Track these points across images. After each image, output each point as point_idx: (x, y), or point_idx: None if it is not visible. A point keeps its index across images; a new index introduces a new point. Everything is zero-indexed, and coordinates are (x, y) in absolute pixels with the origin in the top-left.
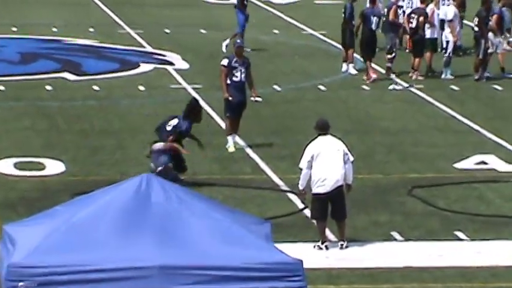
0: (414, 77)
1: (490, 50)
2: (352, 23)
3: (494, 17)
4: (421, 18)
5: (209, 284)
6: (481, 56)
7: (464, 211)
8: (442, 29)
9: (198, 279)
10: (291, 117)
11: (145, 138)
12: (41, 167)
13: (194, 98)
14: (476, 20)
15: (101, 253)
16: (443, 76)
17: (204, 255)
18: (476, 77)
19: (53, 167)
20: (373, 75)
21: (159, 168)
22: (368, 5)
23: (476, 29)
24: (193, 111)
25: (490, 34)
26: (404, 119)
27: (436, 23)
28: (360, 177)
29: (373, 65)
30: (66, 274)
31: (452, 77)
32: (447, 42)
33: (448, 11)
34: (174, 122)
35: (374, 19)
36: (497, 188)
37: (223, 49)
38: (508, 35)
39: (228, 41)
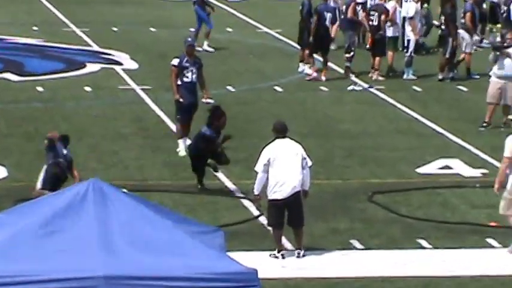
0: (374, 77)
1: (468, 50)
2: (310, 21)
3: (468, 14)
4: (383, 17)
5: None
6: (448, 55)
7: (427, 218)
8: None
9: None
10: (246, 119)
11: (93, 141)
12: None
13: (214, 105)
14: (442, 18)
15: (45, 263)
16: (404, 76)
17: (152, 265)
18: (440, 77)
19: None
20: (314, 74)
21: None
22: (321, 0)
23: (443, 27)
24: (214, 117)
25: (463, 32)
26: (364, 122)
27: (398, 20)
28: (318, 183)
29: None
30: (10, 285)
31: (415, 77)
32: (408, 40)
33: (409, 7)
34: (202, 129)
35: (328, 15)
36: (462, 194)
37: (207, 48)
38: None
39: (206, 42)
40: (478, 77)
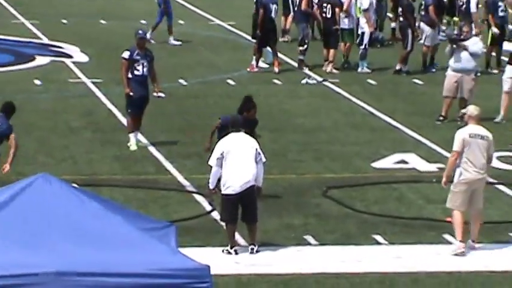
0: (328, 69)
1: (427, 43)
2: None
3: (431, 8)
4: (337, 9)
5: None
6: (409, 48)
7: (383, 213)
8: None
9: (98, 287)
10: (198, 113)
11: (42, 135)
12: None
13: (247, 96)
14: (400, 9)
15: None
16: (359, 69)
17: (103, 261)
18: (398, 68)
19: None
20: (255, 69)
21: None
22: None
23: (401, 19)
24: (244, 107)
25: (423, 25)
26: (318, 116)
27: (353, 12)
28: (272, 178)
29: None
30: None
31: (369, 71)
32: (362, 33)
33: (363, 0)
34: None
35: (273, 7)
36: (419, 189)
37: (175, 42)
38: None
39: (171, 37)
40: (434, 70)
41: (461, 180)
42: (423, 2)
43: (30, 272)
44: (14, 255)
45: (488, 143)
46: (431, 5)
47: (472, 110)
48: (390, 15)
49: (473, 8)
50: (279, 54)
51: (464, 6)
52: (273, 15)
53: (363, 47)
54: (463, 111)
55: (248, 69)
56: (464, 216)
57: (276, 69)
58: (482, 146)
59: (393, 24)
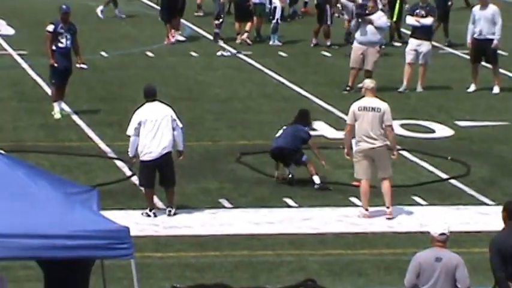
0: (243, 37)
1: (346, 17)
2: None
3: None
4: None
5: (33, 252)
6: (329, 22)
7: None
8: None
9: (22, 248)
10: (119, 83)
11: None
12: None
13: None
14: None
15: None
16: (271, 42)
17: (27, 223)
18: (315, 42)
19: None
20: (171, 40)
21: None
22: None
23: None
24: (308, 117)
25: (346, 1)
26: (233, 86)
27: None
28: (189, 145)
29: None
30: None
31: (280, 43)
32: (274, 8)
33: None
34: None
35: None
36: (327, 155)
37: (100, 15)
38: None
39: (102, 7)
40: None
41: (357, 150)
42: None
43: None
44: None
45: (380, 114)
46: None
47: (368, 83)
48: None
49: None
50: (196, 28)
51: None
52: None
53: (274, 21)
54: (360, 85)
55: (165, 42)
56: (368, 184)
57: (166, 42)
58: (374, 117)
59: None
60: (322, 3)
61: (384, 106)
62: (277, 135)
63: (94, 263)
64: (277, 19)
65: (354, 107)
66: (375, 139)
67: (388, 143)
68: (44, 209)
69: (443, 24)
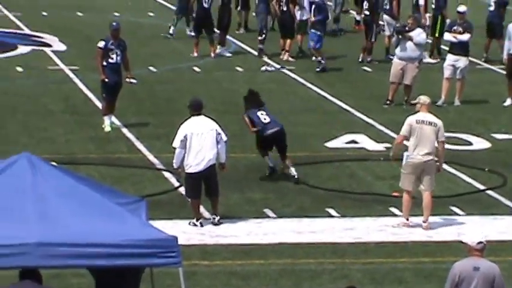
0: (285, 58)
1: (387, 33)
2: (229, 7)
3: (395, 2)
4: (291, 5)
5: (86, 261)
6: (373, 39)
7: (335, 189)
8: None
9: (75, 256)
10: (167, 97)
11: (24, 118)
12: None
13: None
14: (366, 4)
15: None
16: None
17: (80, 232)
18: (369, 59)
19: None
20: (195, 54)
21: None
22: None
23: (367, 12)
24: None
25: (389, 18)
26: (276, 100)
27: (306, 5)
28: (234, 156)
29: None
30: None
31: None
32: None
33: None
34: None
35: None
36: (368, 166)
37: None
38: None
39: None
40: (392, 57)
41: (407, 162)
42: None
43: (13, 243)
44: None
45: (436, 129)
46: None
47: (424, 98)
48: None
49: (421, 1)
50: (241, 44)
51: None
52: (205, 5)
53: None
54: (414, 101)
55: (195, 55)
56: (411, 196)
57: (212, 54)
58: (430, 132)
59: (358, 17)
60: (369, 21)
61: (439, 122)
62: (266, 120)
63: (144, 271)
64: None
65: (411, 120)
66: (428, 153)
67: (436, 158)
68: (95, 218)
69: (498, 40)
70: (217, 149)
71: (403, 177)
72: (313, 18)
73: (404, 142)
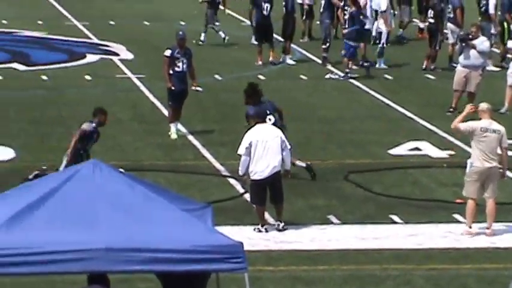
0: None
1: (451, 41)
2: (294, 16)
3: (458, 10)
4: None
5: (153, 266)
6: (438, 47)
7: (399, 195)
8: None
9: (143, 261)
10: (232, 105)
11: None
12: None
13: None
14: (431, 12)
15: (47, 235)
16: (377, 66)
17: (148, 238)
18: (433, 67)
19: (4, 153)
20: (260, 62)
21: None
22: None
23: (431, 20)
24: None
25: (452, 26)
26: (340, 108)
27: (369, 14)
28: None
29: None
30: (16, 256)
31: (386, 67)
32: (380, 33)
33: (381, 2)
34: None
35: (265, 5)
36: (431, 174)
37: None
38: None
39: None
40: (455, 65)
41: (472, 170)
42: (450, 6)
43: (82, 248)
44: (69, 233)
45: (499, 136)
46: (458, 7)
47: (483, 105)
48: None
49: (491, 10)
50: (305, 52)
51: (484, 8)
52: (264, 12)
53: (381, 45)
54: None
55: (256, 64)
56: (475, 203)
57: (271, 59)
58: (494, 139)
59: (422, 25)
60: (433, 29)
61: (502, 129)
62: (272, 121)
63: (210, 276)
64: (383, 43)
65: (476, 125)
66: (492, 159)
67: (499, 165)
68: (162, 224)
69: None
70: (281, 156)
71: (467, 184)
72: (345, 30)
73: (468, 149)
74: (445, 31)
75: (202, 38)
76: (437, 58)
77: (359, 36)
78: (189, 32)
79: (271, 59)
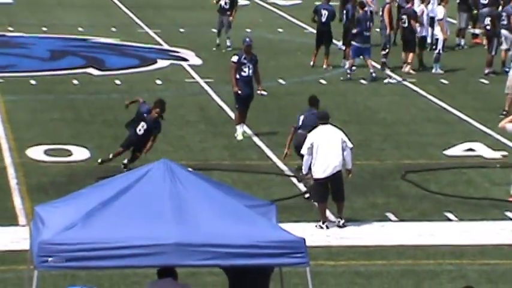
0: (406, 70)
1: (504, 47)
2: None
3: None
4: (412, 20)
5: (220, 260)
6: (493, 53)
7: (454, 194)
8: (431, 27)
9: (210, 256)
10: (295, 108)
11: (163, 127)
12: (69, 153)
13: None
14: (488, 19)
15: (120, 231)
16: (433, 71)
17: (215, 233)
18: (486, 72)
19: (80, 153)
20: (324, 66)
21: None
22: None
23: (488, 27)
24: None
25: (506, 32)
26: (398, 111)
27: (425, 22)
28: (358, 164)
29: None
30: (91, 250)
31: (442, 72)
32: (437, 39)
33: (439, 10)
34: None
35: (324, 12)
36: (485, 173)
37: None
38: None
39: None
40: (507, 70)
41: None
42: (504, 13)
43: (153, 243)
44: (141, 229)
45: None
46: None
47: None
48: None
49: None
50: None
51: None
52: (323, 19)
53: (437, 51)
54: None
55: (324, 66)
56: None
57: (325, 66)
58: None
59: (477, 31)
60: (491, 35)
61: None
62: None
63: (273, 270)
64: (439, 50)
65: None
66: None
67: None
68: (228, 220)
69: None
70: (343, 156)
71: None
72: (354, 31)
73: None
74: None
75: (228, 43)
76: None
77: (365, 38)
78: (255, 38)
79: (325, 66)
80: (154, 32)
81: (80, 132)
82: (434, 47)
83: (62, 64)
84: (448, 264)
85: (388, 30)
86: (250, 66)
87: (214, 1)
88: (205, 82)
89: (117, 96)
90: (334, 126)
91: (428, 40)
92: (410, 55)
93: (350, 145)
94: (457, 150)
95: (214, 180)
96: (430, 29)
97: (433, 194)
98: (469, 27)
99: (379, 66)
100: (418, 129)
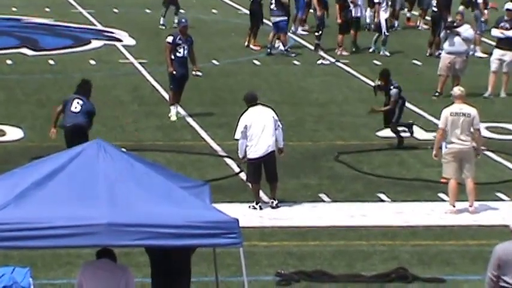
0: (339, 52)
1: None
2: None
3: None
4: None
5: (153, 240)
6: (437, 36)
7: (386, 175)
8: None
9: (143, 236)
10: (229, 89)
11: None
12: (2, 133)
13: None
14: (435, 2)
15: (53, 211)
16: (381, 53)
17: (148, 214)
18: (428, 53)
19: (13, 133)
20: (252, 46)
21: None
22: None
23: (435, 9)
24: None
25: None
26: (331, 92)
27: (360, 2)
28: (291, 144)
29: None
30: (23, 230)
31: (389, 54)
32: (379, 22)
33: None
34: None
35: None
36: (418, 155)
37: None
38: None
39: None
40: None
41: (447, 151)
42: None
43: (86, 223)
44: (74, 209)
45: (470, 119)
46: None
47: (455, 90)
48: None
49: None
50: (299, 40)
51: None
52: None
53: (383, 35)
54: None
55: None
56: (456, 183)
57: (252, 46)
58: (464, 122)
59: (408, 14)
60: (437, 17)
61: (473, 112)
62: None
63: (195, 249)
64: (384, 32)
65: (446, 112)
66: (464, 141)
67: (474, 145)
68: (161, 201)
69: None
70: (275, 136)
71: (444, 166)
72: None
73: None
74: (428, 18)
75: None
76: (424, 46)
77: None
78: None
79: (252, 46)
80: (88, 12)
81: (14, 112)
82: (367, 27)
83: None
84: (380, 245)
85: (318, 12)
86: (186, 47)
87: None
88: (139, 63)
89: (50, 76)
90: (263, 105)
91: (368, 20)
92: (341, 37)
93: (281, 124)
94: (390, 131)
95: (148, 160)
96: (369, 9)
97: (366, 175)
98: (406, 9)
99: (312, 48)
100: (351, 110)
